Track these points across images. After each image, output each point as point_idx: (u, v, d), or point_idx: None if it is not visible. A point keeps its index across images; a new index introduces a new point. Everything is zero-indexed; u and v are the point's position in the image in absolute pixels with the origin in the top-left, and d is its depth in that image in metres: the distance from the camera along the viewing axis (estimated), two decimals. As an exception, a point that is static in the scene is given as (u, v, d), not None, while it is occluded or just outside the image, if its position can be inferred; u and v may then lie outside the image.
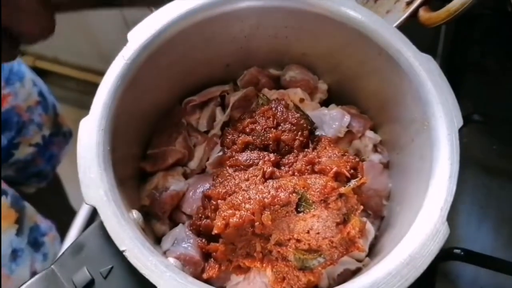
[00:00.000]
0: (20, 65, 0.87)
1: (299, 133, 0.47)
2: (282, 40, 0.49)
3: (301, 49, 0.51)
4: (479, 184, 0.64)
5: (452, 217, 0.60)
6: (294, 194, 0.40)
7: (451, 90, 0.39)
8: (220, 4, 0.44)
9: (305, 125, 0.47)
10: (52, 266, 0.35)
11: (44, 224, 0.88)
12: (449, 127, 0.37)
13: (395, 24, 0.48)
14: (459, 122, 0.38)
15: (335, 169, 0.42)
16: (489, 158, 0.65)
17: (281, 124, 0.47)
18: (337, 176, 0.42)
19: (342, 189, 0.41)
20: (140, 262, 0.33)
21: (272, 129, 0.47)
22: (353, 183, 0.43)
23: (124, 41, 0.41)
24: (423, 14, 0.49)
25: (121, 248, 0.34)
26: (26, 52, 1.78)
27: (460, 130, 0.62)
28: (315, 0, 0.44)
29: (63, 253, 0.36)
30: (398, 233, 0.39)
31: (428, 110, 0.39)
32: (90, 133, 0.37)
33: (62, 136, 1.00)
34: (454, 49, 0.71)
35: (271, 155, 0.45)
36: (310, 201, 0.40)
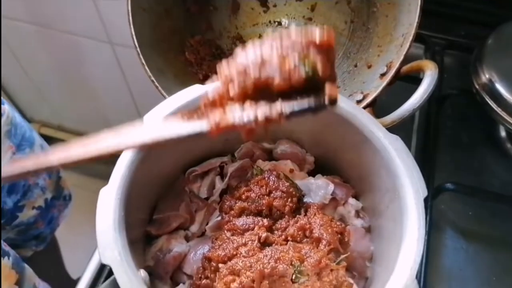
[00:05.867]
0: (31, 131, 0.93)
1: (289, 199, 0.53)
2: (273, 120, 0.57)
3: (290, 127, 0.58)
4: (458, 247, 0.69)
5: (434, 279, 0.64)
6: (291, 267, 0.45)
7: (416, 165, 0.46)
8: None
9: (294, 192, 0.54)
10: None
11: (42, 286, 0.89)
12: (416, 197, 0.44)
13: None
14: (424, 192, 0.44)
15: (331, 246, 0.48)
16: (466, 223, 0.71)
17: (273, 192, 0.53)
18: (331, 250, 0.48)
19: (334, 266, 0.46)
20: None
21: (265, 196, 0.53)
22: (342, 258, 0.48)
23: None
24: None
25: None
26: (33, 120, 1.86)
27: (437, 197, 0.68)
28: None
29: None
30: (377, 291, 0.44)
31: (397, 182, 0.45)
32: (108, 201, 0.43)
33: (62, 199, 1.03)
34: (428, 124, 0.79)
35: (265, 220, 0.51)
36: (305, 273, 0.45)
